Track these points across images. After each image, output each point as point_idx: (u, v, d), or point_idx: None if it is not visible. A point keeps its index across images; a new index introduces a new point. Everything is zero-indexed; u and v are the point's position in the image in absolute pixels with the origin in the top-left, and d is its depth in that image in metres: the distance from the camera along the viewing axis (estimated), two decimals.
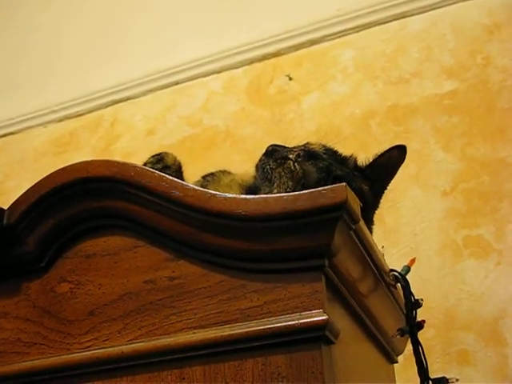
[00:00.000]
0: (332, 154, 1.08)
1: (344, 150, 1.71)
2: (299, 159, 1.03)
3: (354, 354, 0.94)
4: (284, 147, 1.07)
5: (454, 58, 1.72)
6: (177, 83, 2.05)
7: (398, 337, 1.01)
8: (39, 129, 2.21)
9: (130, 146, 2.04)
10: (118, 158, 2.02)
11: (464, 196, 1.56)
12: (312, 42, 1.92)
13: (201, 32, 2.09)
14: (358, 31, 1.87)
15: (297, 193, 0.78)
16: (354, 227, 0.80)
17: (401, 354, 1.23)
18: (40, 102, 2.21)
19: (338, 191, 0.76)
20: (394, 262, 1.46)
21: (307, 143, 1.10)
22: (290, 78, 1.91)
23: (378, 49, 1.83)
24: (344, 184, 0.76)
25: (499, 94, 1.63)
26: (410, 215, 1.59)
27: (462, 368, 1.40)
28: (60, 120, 2.19)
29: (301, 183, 0.99)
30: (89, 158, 2.07)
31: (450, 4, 1.78)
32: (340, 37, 1.89)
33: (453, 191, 1.58)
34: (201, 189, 0.83)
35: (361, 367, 0.97)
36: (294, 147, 1.08)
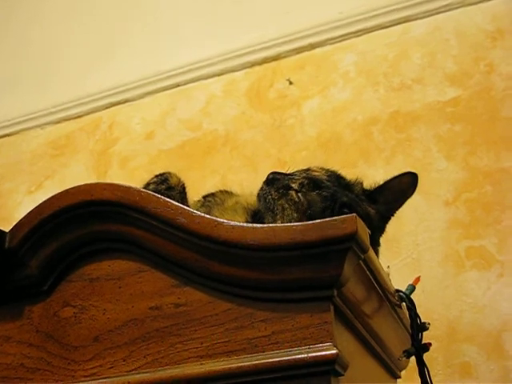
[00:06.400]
0: (336, 179, 1.07)
1: (346, 157, 1.71)
2: (303, 189, 1.01)
3: (361, 377, 0.93)
4: (285, 174, 1.05)
5: (457, 65, 1.70)
6: (177, 85, 2.03)
7: (404, 359, 1.00)
8: (36, 130, 2.19)
9: (127, 149, 2.02)
10: (115, 162, 2.00)
11: (467, 206, 1.55)
12: (313, 46, 1.89)
13: (201, 34, 2.06)
14: (359, 35, 1.85)
15: (306, 223, 0.77)
16: (363, 257, 0.79)
17: (404, 369, 1.22)
18: (37, 103, 2.19)
19: (347, 222, 0.75)
20: (395, 271, 1.45)
21: (309, 169, 1.07)
22: (291, 83, 1.89)
23: (380, 53, 1.81)
24: (354, 215, 0.75)
25: (503, 102, 1.62)
26: (412, 225, 1.58)
27: (464, 381, 1.40)
28: (57, 122, 2.16)
29: (306, 214, 0.97)
30: (86, 162, 2.08)
31: (453, 9, 1.76)
32: (341, 41, 1.87)
33: (455, 201, 1.56)
34: (207, 216, 0.81)
35: None
36: (295, 173, 1.05)
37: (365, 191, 1.08)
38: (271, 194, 1.01)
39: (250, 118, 1.90)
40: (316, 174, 1.06)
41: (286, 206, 0.99)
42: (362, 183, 1.10)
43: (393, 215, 1.11)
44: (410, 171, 1.09)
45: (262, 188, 1.03)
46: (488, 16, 1.72)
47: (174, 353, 0.81)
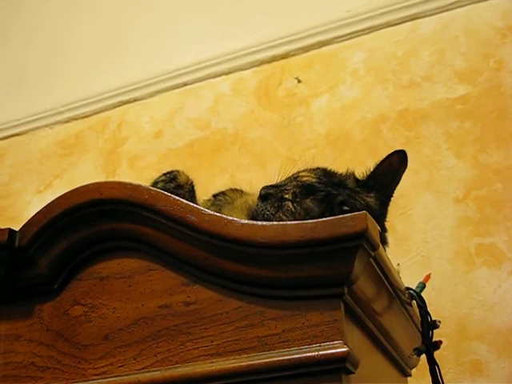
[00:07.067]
0: (327, 178, 1.05)
1: (355, 156, 1.70)
2: (297, 199, 1.00)
3: (371, 375, 0.93)
4: (276, 187, 1.03)
5: (466, 62, 1.69)
6: (185, 84, 2.03)
7: (414, 357, 1.00)
8: (45, 130, 2.19)
9: (136, 148, 2.02)
10: (124, 161, 2.01)
11: (476, 204, 1.54)
12: (321, 44, 1.89)
13: (209, 33, 2.06)
14: (368, 33, 1.84)
15: (316, 220, 0.76)
16: (373, 254, 0.79)
17: (414, 367, 1.22)
18: (46, 102, 2.19)
19: (358, 220, 0.75)
20: (405, 269, 1.45)
21: (298, 176, 1.06)
22: (299, 81, 1.89)
23: (388, 51, 1.81)
24: (364, 212, 0.75)
25: None
26: (421, 222, 1.57)
27: (475, 378, 1.39)
28: (66, 121, 2.17)
29: None
30: (95, 161, 2.08)
31: (462, 6, 1.75)
32: (350, 38, 1.86)
33: (465, 198, 1.56)
34: (217, 214, 0.81)
35: None
36: (286, 183, 1.04)
37: (358, 182, 1.07)
38: (268, 210, 1.00)
39: (258, 116, 1.90)
40: (306, 179, 1.04)
41: (284, 218, 0.97)
42: (353, 174, 1.09)
43: (392, 196, 1.10)
44: (396, 150, 1.07)
45: (257, 205, 1.02)
46: (497, 13, 1.71)
47: (184, 351, 0.81)
